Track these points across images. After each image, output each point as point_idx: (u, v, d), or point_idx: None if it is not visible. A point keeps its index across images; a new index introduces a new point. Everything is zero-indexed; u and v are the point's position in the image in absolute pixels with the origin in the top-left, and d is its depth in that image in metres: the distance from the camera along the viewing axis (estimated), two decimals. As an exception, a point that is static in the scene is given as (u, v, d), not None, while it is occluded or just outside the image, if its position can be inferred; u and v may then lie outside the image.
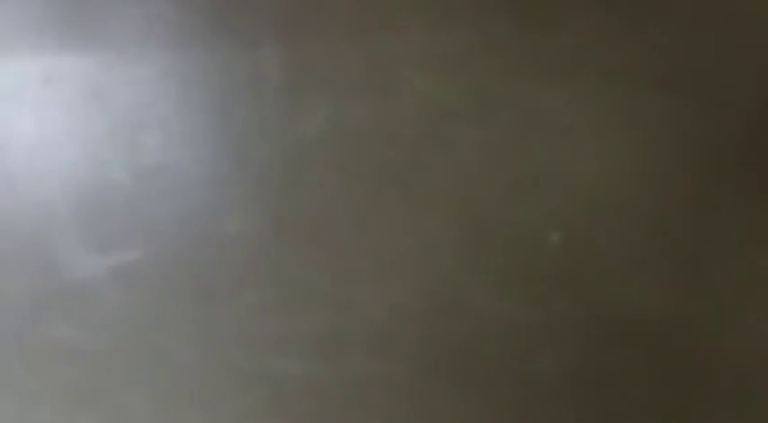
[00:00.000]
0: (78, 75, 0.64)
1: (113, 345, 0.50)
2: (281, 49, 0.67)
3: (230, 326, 0.51)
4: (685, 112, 0.62)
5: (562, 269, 0.54)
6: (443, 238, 0.56)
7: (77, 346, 0.50)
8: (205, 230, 0.56)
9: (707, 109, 0.63)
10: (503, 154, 0.61)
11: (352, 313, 0.52)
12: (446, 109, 0.64)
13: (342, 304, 0.52)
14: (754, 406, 0.49)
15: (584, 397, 0.49)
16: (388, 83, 0.66)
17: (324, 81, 0.66)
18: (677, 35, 0.66)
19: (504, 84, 0.66)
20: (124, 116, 0.62)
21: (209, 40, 0.67)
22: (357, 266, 0.54)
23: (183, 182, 0.58)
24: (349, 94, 0.65)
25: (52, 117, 0.62)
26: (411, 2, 0.67)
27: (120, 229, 0.56)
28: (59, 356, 0.50)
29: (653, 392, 0.49)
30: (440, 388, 0.49)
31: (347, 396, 0.48)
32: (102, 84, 0.64)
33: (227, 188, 0.58)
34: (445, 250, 0.55)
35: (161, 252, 0.54)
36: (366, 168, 0.60)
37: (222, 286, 0.53)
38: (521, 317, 0.51)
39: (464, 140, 0.62)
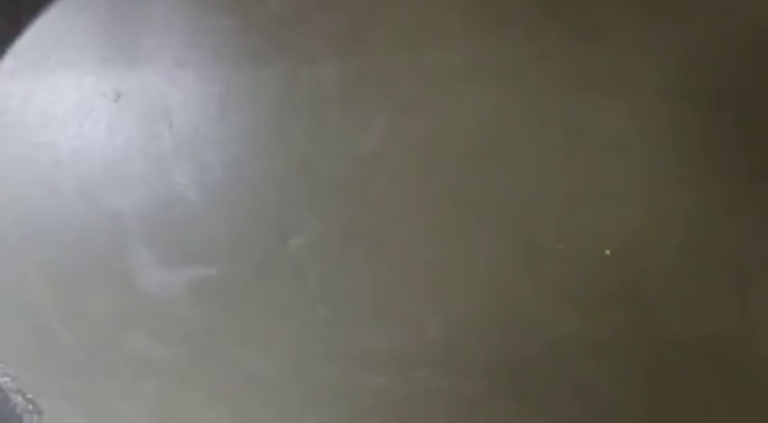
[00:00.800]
0: (147, 90, 0.66)
1: (193, 359, 0.52)
2: (339, 64, 0.69)
3: (303, 340, 0.53)
4: (739, 130, 0.64)
5: (620, 286, 0.56)
6: (501, 254, 0.58)
7: (157, 359, 0.52)
8: (274, 246, 0.58)
9: (762, 127, 0.64)
10: (557, 169, 0.62)
11: (417, 328, 0.54)
12: (500, 123, 0.65)
13: (408, 319, 0.54)
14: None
15: (641, 411, 0.51)
16: (442, 97, 0.67)
17: (380, 95, 0.67)
18: (734, 48, 0.67)
19: (557, 97, 0.67)
20: (190, 132, 0.64)
21: (270, 55, 0.69)
22: (420, 282, 0.56)
23: (249, 198, 0.61)
24: (404, 109, 0.67)
25: (123, 132, 0.64)
26: (463, 16, 0.69)
27: (191, 245, 0.58)
28: (140, 370, 0.52)
29: (702, 410, 0.51)
30: (502, 403, 0.51)
31: (417, 410, 0.50)
32: (170, 99, 0.66)
33: (293, 203, 0.60)
34: (503, 266, 0.57)
35: (232, 268, 0.56)
36: (424, 183, 0.62)
37: (293, 301, 0.55)
38: (581, 334, 0.53)
39: (518, 155, 0.63)
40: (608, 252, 0.57)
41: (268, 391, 0.51)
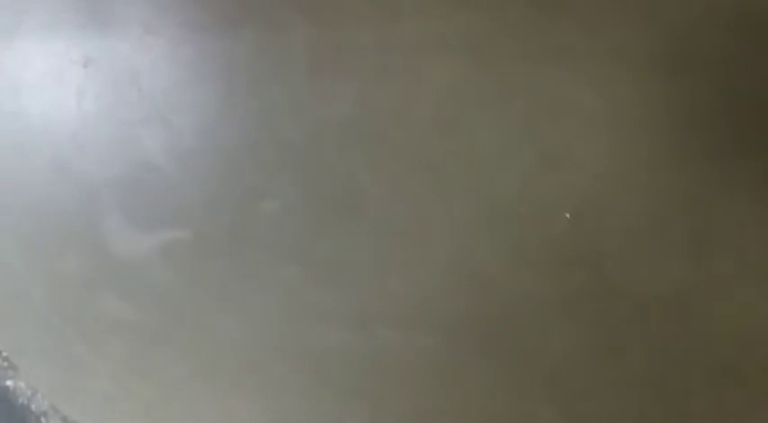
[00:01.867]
0: (117, 56, 0.67)
1: (162, 319, 0.54)
2: (310, 32, 0.70)
3: (271, 300, 0.55)
4: (698, 93, 0.65)
5: (578, 247, 0.57)
6: (465, 218, 0.59)
7: (129, 319, 0.54)
8: (244, 210, 0.59)
9: (721, 91, 0.66)
10: (520, 136, 0.64)
11: (382, 288, 0.56)
12: (466, 92, 0.67)
13: (373, 279, 0.56)
14: (752, 372, 0.53)
15: (597, 367, 0.53)
16: (411, 67, 0.69)
17: (349, 65, 0.68)
18: (693, 14, 0.68)
19: (522, 68, 0.68)
20: (161, 98, 0.65)
21: (241, 22, 0.70)
22: (386, 243, 0.58)
23: (220, 163, 0.62)
24: (374, 78, 0.68)
25: (93, 98, 0.65)
26: (433, -13, 0.70)
27: (163, 210, 0.59)
28: (113, 330, 0.53)
29: (660, 362, 0.53)
30: (462, 356, 0.53)
31: (380, 364, 0.52)
32: (140, 65, 0.67)
33: (263, 169, 0.62)
34: (467, 229, 0.59)
35: (203, 231, 0.58)
36: (391, 150, 0.63)
37: (262, 263, 0.56)
38: (539, 293, 0.55)
39: (484, 123, 0.64)
40: (568, 215, 0.59)
41: (235, 347, 0.52)
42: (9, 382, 0.52)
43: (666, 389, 0.52)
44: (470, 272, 0.56)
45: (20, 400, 0.50)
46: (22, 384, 0.52)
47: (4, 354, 0.53)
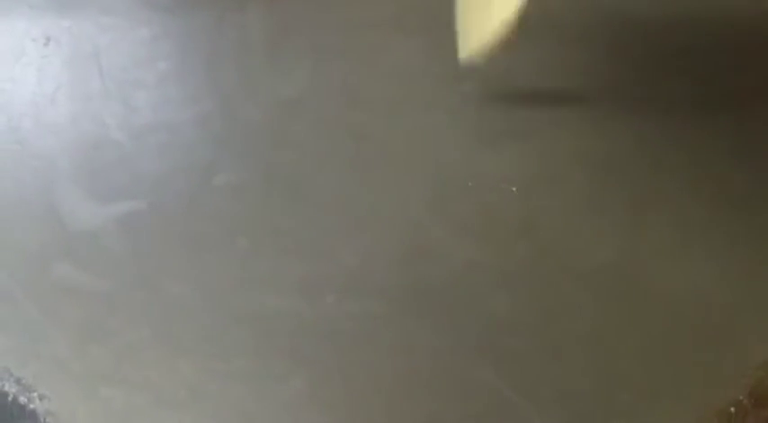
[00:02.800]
0: (77, 35, 0.68)
1: (117, 287, 0.55)
2: (266, 12, 0.72)
3: (224, 269, 0.56)
4: (626, 70, 0.68)
5: (521, 219, 0.60)
6: (413, 192, 0.61)
7: (84, 288, 0.55)
8: (198, 184, 0.61)
9: (649, 65, 0.68)
10: (470, 114, 0.66)
11: (330, 258, 0.57)
12: (417, 72, 0.69)
13: (322, 250, 0.58)
14: (687, 337, 0.56)
15: (536, 331, 0.55)
16: (364, 47, 0.71)
17: (305, 44, 0.70)
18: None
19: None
20: (119, 75, 0.67)
21: (199, 3, 0.72)
22: (335, 216, 0.60)
23: (176, 139, 0.63)
24: (328, 57, 0.70)
25: (53, 75, 0.66)
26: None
27: (119, 182, 0.60)
28: (68, 298, 0.55)
29: (597, 327, 0.55)
30: (407, 323, 0.55)
31: (328, 331, 0.54)
32: (99, 44, 0.68)
33: (217, 145, 0.63)
34: (415, 203, 0.61)
35: (158, 203, 0.59)
36: (343, 127, 0.65)
37: (215, 234, 0.58)
38: (481, 262, 0.57)
39: (434, 102, 0.67)
40: (514, 189, 0.61)
41: (188, 315, 0.54)
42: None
43: (601, 353, 0.54)
44: (418, 243, 0.58)
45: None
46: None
47: (-39, 321, 0.55)
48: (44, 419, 0.49)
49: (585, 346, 0.54)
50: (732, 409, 0.51)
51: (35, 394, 0.50)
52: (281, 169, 0.62)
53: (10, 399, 0.50)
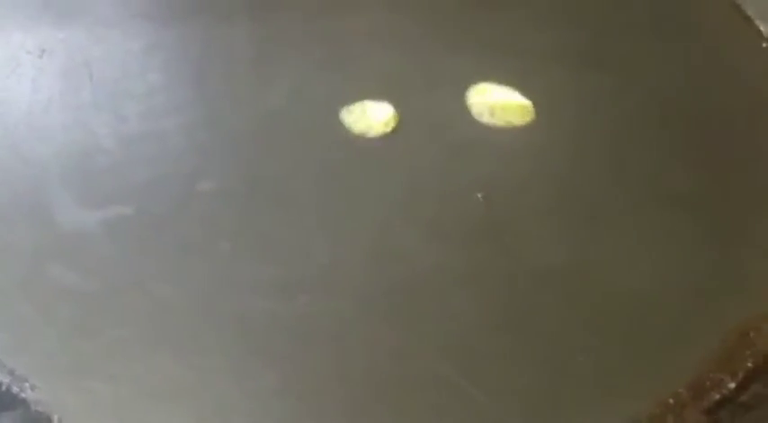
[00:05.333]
0: (71, 47, 0.72)
1: (105, 287, 0.59)
2: (253, 25, 0.75)
3: (206, 271, 0.60)
4: (603, 85, 0.72)
5: (485, 224, 0.63)
6: (386, 196, 0.65)
7: (74, 287, 0.58)
8: (184, 190, 0.64)
9: (622, 80, 0.72)
10: (444, 121, 0.70)
11: (306, 260, 0.61)
12: (396, 82, 0.72)
13: (298, 253, 0.61)
14: (646, 339, 0.59)
15: (500, 331, 0.58)
16: (346, 58, 0.74)
17: (290, 55, 0.74)
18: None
19: (450, 59, 0.74)
20: (111, 86, 0.70)
21: (189, 15, 0.75)
22: (312, 221, 0.63)
23: (163, 147, 0.67)
24: (312, 67, 0.73)
25: (46, 86, 0.70)
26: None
27: (108, 188, 0.64)
28: (59, 296, 0.58)
29: (555, 326, 0.59)
30: (375, 322, 0.58)
31: (300, 329, 0.57)
32: (92, 55, 0.72)
33: (202, 153, 0.67)
34: (386, 207, 0.64)
35: (146, 208, 0.63)
36: (324, 136, 0.69)
37: (199, 238, 0.61)
38: (449, 264, 0.61)
39: (409, 111, 0.70)
40: (479, 195, 0.64)
41: (171, 314, 0.57)
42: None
43: (558, 351, 0.57)
44: (388, 246, 0.62)
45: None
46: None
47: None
48: (34, 408, 0.53)
49: (543, 344, 0.57)
50: (671, 401, 0.54)
51: (27, 384, 0.54)
52: (262, 176, 0.65)
53: (3, 388, 0.53)
